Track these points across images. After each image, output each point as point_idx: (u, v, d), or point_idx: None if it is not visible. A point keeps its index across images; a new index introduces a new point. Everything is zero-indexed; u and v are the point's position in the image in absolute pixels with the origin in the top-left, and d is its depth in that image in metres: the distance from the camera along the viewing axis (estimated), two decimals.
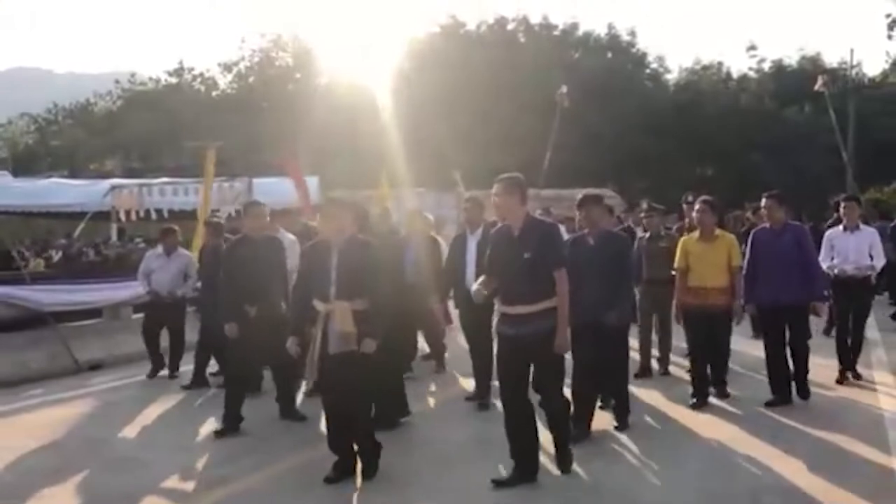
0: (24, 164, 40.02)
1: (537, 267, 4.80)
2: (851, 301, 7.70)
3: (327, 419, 5.20)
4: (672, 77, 40.43)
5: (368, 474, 5.16)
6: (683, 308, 6.99)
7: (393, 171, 16.93)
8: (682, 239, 7.28)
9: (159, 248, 9.22)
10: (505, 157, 27.92)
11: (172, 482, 5.23)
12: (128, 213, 13.97)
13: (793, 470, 5.17)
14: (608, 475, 5.18)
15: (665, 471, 5.24)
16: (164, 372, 8.81)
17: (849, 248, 7.65)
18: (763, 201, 7.16)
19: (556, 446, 5.22)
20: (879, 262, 7.69)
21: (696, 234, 7.08)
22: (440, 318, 7.49)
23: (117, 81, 43.59)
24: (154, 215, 14.07)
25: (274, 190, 13.72)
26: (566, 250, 5.14)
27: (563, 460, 5.21)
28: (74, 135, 43.79)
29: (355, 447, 5.19)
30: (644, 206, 9.18)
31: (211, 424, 6.49)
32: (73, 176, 24.59)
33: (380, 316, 5.03)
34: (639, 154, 32.01)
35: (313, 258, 5.16)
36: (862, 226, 7.92)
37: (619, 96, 32.72)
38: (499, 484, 4.95)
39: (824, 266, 7.60)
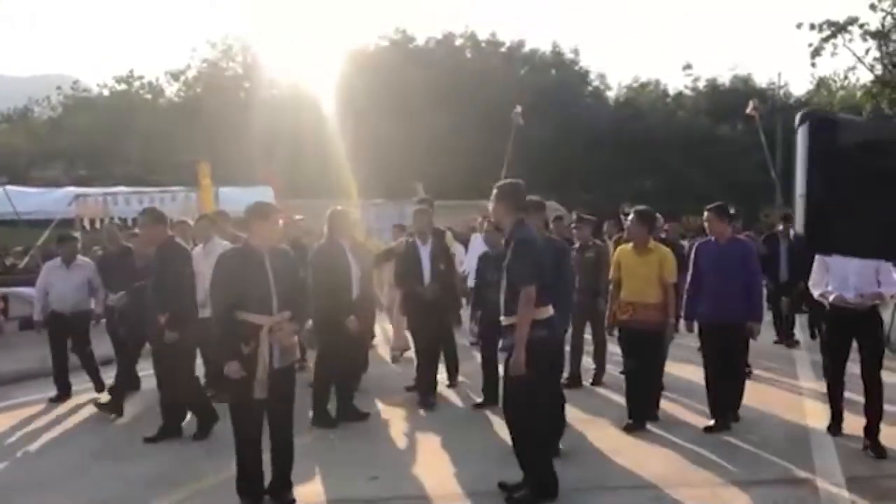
0: None
1: (508, 281, 4.63)
2: (851, 339, 5.91)
3: (251, 441, 4.73)
4: (613, 94, 42.05)
5: (285, 488, 4.87)
6: (618, 324, 6.58)
7: (350, 181, 17.53)
8: (618, 248, 6.87)
9: (58, 260, 8.32)
10: (454, 169, 28.80)
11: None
12: (92, 221, 14.16)
13: None
14: None
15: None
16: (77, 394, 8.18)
17: (848, 271, 5.81)
18: (705, 214, 6.54)
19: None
20: (890, 288, 5.80)
21: (631, 245, 6.61)
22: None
23: (59, 87, 42.91)
24: (118, 223, 14.31)
25: (239, 199, 14.18)
26: (532, 266, 4.62)
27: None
28: (12, 141, 42.92)
29: (278, 459, 4.83)
30: (574, 216, 8.99)
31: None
32: (13, 183, 24.34)
33: (304, 320, 5.04)
34: (581, 167, 33.17)
35: (244, 268, 4.64)
36: None
37: (563, 111, 33.89)
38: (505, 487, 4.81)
39: (815, 293, 6.03)
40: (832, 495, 4.81)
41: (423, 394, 7.36)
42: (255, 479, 4.75)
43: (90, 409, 7.47)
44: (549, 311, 4.66)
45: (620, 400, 6.85)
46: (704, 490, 4.99)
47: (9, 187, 16.67)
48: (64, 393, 8.01)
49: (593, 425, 6.47)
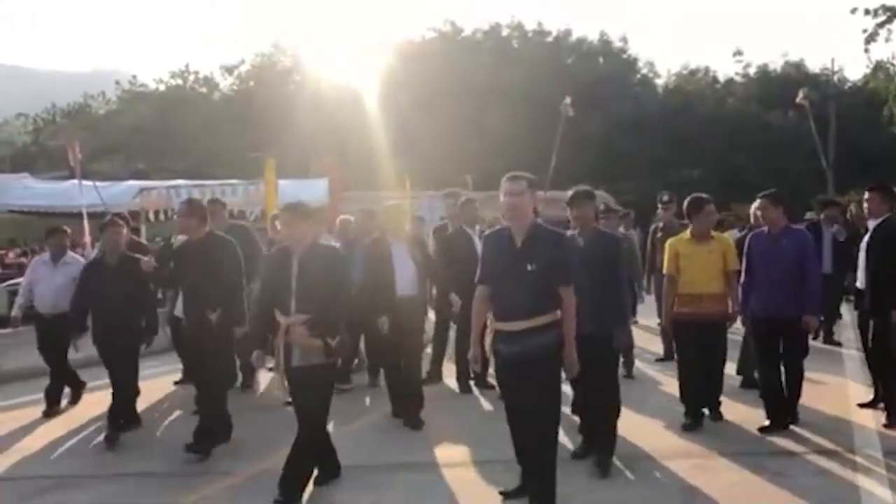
0: (22, 165, 40.59)
1: (541, 281, 4.26)
2: None
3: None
4: (662, 81, 41.78)
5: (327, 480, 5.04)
6: (674, 318, 6.21)
7: (401, 174, 17.88)
8: (670, 241, 6.38)
9: (47, 255, 7.55)
10: (502, 160, 29.03)
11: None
12: (156, 213, 14.74)
13: None
14: None
15: None
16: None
17: None
18: (757, 202, 6.28)
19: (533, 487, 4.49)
20: None
21: (687, 234, 6.28)
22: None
23: (117, 82, 44.23)
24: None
25: (296, 192, 14.68)
26: (573, 263, 4.48)
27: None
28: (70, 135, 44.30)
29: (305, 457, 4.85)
30: (602, 207, 9.14)
31: None
32: (71, 177, 25.26)
33: (333, 322, 4.72)
34: (628, 156, 33.11)
35: (274, 267, 4.85)
36: None
37: (611, 100, 33.85)
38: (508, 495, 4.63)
39: None
40: (869, 466, 5.14)
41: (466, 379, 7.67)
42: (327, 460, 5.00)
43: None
44: None
45: (658, 389, 7.30)
46: (750, 459, 5.34)
47: (72, 182, 17.45)
48: (54, 404, 7.39)
49: (637, 412, 6.51)
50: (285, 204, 5.00)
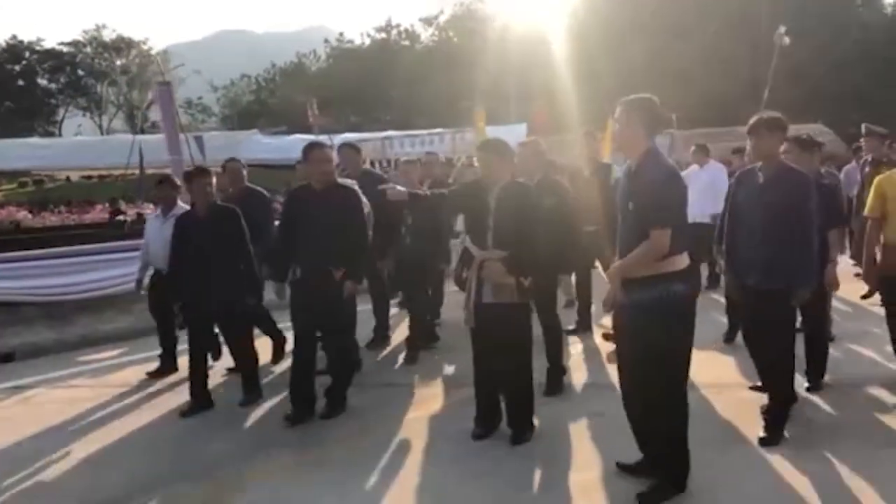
0: (246, 122, 44.41)
1: (641, 224, 3.64)
2: None
3: (477, 372, 4.78)
4: (891, 0, 37.78)
5: (520, 439, 4.69)
6: (880, 272, 5.01)
7: (594, 114, 17.75)
8: (880, 178, 5.18)
9: (159, 209, 6.91)
10: (710, 96, 27.76)
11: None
12: (372, 163, 15.83)
13: None
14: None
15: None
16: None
17: None
18: None
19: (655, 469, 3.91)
20: None
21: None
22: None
23: (326, 40, 46.89)
24: (394, 165, 15.90)
25: (501, 137, 15.14)
26: (675, 203, 3.66)
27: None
28: (288, 93, 47.77)
29: (505, 407, 4.78)
30: (864, 130, 8.22)
31: None
32: (292, 132, 27.30)
33: (529, 262, 4.56)
34: (852, 87, 30.48)
35: (468, 199, 4.76)
36: None
37: (831, 26, 31.16)
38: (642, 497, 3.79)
39: None
40: None
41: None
42: (484, 408, 4.77)
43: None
44: (686, 260, 3.71)
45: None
46: None
47: (295, 136, 18.99)
48: (168, 366, 6.79)
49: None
50: (480, 142, 4.94)
